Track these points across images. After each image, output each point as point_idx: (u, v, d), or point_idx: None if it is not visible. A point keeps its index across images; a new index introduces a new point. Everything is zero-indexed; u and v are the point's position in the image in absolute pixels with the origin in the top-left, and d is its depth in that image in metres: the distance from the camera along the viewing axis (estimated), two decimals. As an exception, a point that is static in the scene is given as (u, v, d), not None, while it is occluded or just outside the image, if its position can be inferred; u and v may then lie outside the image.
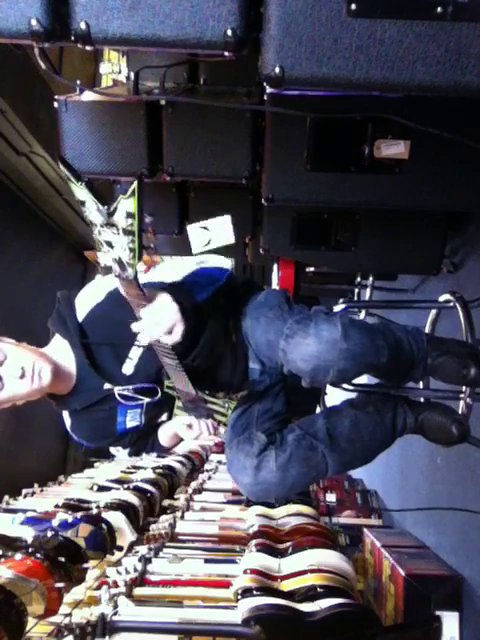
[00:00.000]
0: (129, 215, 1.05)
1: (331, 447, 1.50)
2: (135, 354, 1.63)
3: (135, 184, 1.02)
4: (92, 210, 1.08)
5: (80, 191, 1.06)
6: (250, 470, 1.47)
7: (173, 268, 1.70)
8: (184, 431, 1.74)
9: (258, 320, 1.54)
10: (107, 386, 1.64)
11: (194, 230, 2.33)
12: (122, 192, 1.04)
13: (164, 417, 1.83)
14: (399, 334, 1.55)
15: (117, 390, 1.63)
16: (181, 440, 1.87)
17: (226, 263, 1.72)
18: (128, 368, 1.64)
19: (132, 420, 1.71)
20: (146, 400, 1.66)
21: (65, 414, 1.76)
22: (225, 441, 1.60)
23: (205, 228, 2.32)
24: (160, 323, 1.35)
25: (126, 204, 1.04)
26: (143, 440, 1.84)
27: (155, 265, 1.73)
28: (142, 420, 1.72)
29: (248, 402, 1.62)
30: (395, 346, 1.50)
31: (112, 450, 1.89)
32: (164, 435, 1.84)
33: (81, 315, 1.65)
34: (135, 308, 1.36)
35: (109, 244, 1.12)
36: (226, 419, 1.63)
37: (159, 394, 1.65)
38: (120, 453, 1.87)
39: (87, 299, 1.66)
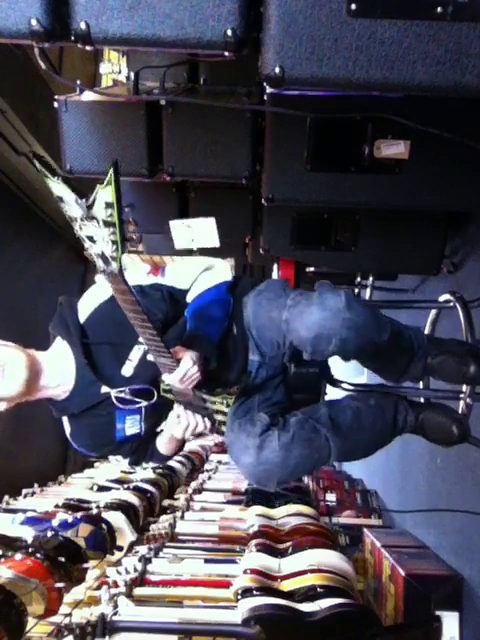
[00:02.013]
0: (108, 205, 1.01)
1: (334, 431, 1.49)
2: (135, 356, 1.63)
3: (111, 172, 0.98)
4: (71, 203, 1.04)
5: (57, 186, 1.03)
6: (252, 449, 1.43)
7: (182, 272, 1.70)
8: (174, 426, 1.68)
9: (260, 304, 1.54)
10: (105, 389, 1.63)
11: (177, 226, 2.30)
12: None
13: (164, 425, 1.81)
14: (401, 326, 1.58)
15: (114, 392, 1.62)
16: (181, 446, 1.85)
17: (228, 270, 1.72)
18: (127, 370, 1.63)
19: (132, 427, 1.70)
20: (144, 404, 1.63)
21: (65, 421, 1.75)
22: (225, 430, 1.58)
23: (188, 226, 2.29)
24: (189, 380, 1.52)
25: (104, 194, 1.00)
26: (143, 449, 1.81)
27: (163, 267, 1.72)
28: (142, 427, 1.70)
29: (247, 394, 1.62)
30: (397, 331, 1.52)
31: (111, 459, 1.86)
32: (160, 442, 1.80)
33: (83, 316, 1.65)
34: (125, 310, 1.32)
35: (91, 239, 1.08)
36: (226, 417, 1.62)
37: (155, 396, 1.63)
38: (120, 463, 1.85)
39: (91, 300, 1.66)
